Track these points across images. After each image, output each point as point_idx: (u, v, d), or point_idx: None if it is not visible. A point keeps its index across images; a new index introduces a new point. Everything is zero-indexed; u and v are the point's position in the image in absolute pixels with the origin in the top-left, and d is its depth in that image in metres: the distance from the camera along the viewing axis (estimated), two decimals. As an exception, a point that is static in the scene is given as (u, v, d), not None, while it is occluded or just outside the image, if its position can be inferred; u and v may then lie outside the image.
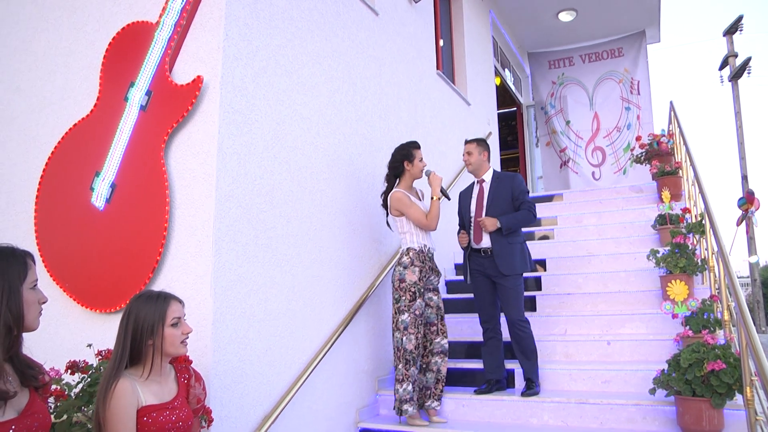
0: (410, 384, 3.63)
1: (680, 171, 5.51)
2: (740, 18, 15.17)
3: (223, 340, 2.79)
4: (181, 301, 2.09)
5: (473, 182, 4.22)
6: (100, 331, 2.95)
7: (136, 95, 3.08)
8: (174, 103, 2.95)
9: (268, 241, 3.20)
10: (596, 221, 5.77)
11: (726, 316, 3.38)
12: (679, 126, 5.54)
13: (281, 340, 3.22)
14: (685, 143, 5.01)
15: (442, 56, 6.39)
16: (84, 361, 2.41)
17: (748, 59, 14.79)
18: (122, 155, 3.05)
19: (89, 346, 2.49)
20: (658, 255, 4.25)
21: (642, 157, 6.17)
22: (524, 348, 3.84)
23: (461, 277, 5.35)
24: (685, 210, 4.73)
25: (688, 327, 3.62)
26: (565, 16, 8.09)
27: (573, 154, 8.84)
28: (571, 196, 6.80)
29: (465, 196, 4.23)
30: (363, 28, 4.52)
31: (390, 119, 4.81)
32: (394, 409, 3.71)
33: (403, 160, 3.97)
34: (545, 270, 5.19)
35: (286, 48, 3.50)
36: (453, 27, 6.92)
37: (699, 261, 4.04)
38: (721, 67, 15.30)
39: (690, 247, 4.10)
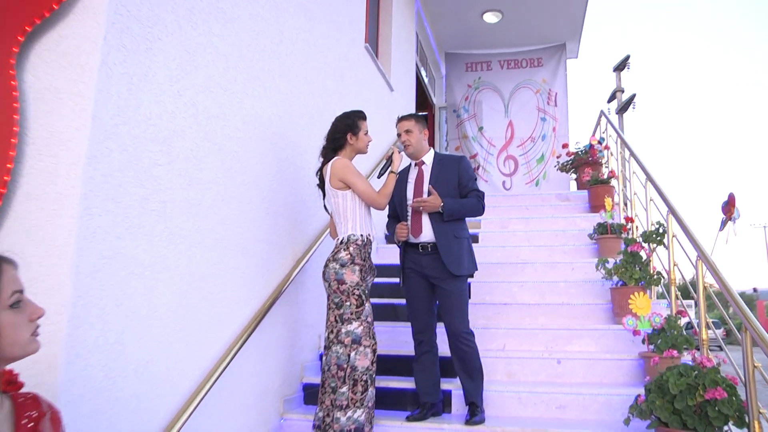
0: (363, 411, 2.85)
1: (612, 180, 5.25)
2: (627, 57, 16.06)
3: (83, 345, 1.85)
4: (15, 265, 1.19)
5: (409, 165, 3.53)
6: None
7: (-27, -31, 2.05)
8: (35, -15, 1.97)
9: (161, 206, 2.29)
10: (524, 227, 5.35)
11: (704, 335, 2.97)
12: (619, 134, 5.28)
13: (170, 347, 2.30)
14: (629, 149, 4.72)
15: (368, 33, 5.71)
16: None
17: (633, 95, 15.63)
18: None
19: None
20: (608, 265, 3.84)
21: (568, 166, 5.88)
22: (469, 366, 3.19)
23: (378, 279, 4.67)
24: (629, 219, 4.40)
25: (652, 346, 3.19)
26: (491, 17, 7.76)
27: (483, 161, 8.51)
28: (493, 200, 6.36)
29: (400, 180, 3.44)
30: (296, -32, 3.71)
31: (316, 83, 4.02)
32: None
33: (346, 131, 3.21)
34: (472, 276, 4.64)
35: (205, -45, 2.62)
36: (381, 6, 6.27)
37: (654, 273, 3.66)
38: (610, 101, 16.06)
39: (645, 258, 3.72)
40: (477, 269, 3.41)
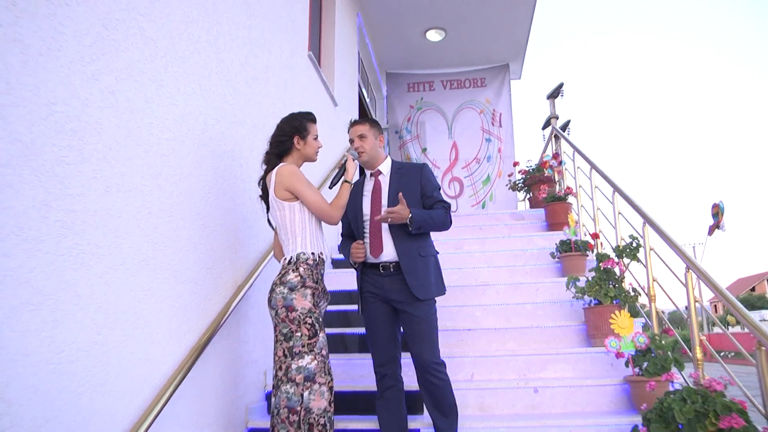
0: None
1: (569, 197, 5.06)
2: (561, 85, 16.49)
3: (-51, 402, 1.33)
4: None
5: (364, 176, 3.12)
6: None
7: None
8: None
9: (69, 216, 1.79)
10: (480, 248, 5.05)
11: (698, 354, 2.71)
12: (577, 149, 5.12)
13: (80, 398, 1.78)
14: (590, 163, 4.53)
15: (311, 42, 5.35)
16: None
17: (568, 121, 16.00)
18: None
19: None
20: (579, 284, 3.57)
21: (521, 184, 5.68)
22: (441, 402, 2.79)
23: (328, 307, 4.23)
24: (595, 235, 4.18)
25: (638, 369, 2.91)
26: (434, 35, 7.60)
27: (428, 183, 8.26)
28: (443, 221, 6.07)
29: (354, 194, 3.00)
30: (235, -43, 3.31)
31: (257, 88, 3.60)
32: None
33: (293, 134, 2.79)
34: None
35: None
36: (323, 17, 5.95)
37: (631, 289, 3.42)
38: (544, 127, 16.39)
39: (619, 274, 3.48)
40: (446, 291, 3.04)
